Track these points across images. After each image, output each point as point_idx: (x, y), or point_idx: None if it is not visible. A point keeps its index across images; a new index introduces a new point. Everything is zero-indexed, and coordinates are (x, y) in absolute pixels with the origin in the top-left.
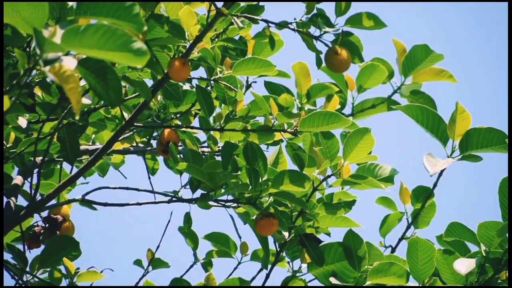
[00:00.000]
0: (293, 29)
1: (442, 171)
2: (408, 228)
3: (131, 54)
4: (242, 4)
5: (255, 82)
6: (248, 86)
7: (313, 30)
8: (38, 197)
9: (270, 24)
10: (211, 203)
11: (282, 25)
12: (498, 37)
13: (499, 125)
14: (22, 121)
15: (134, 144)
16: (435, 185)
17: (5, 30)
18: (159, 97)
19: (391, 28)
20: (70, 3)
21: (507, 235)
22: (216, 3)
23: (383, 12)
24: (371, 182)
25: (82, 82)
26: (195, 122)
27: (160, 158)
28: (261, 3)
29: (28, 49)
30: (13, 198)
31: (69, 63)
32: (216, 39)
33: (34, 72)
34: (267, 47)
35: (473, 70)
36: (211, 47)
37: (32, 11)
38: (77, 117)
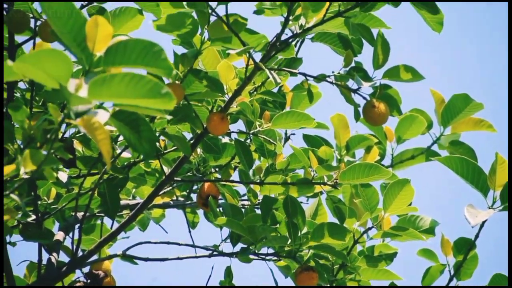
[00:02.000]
0: (331, 82)
1: (483, 222)
2: (450, 280)
3: (159, 99)
4: (280, 56)
5: (294, 134)
6: (287, 139)
7: (351, 83)
8: (80, 253)
9: (308, 78)
10: (251, 256)
11: (320, 78)
12: None
13: None
14: (63, 176)
15: (174, 198)
16: (476, 236)
17: (46, 86)
18: (199, 151)
19: (429, 79)
20: (98, 54)
21: None
22: (254, 56)
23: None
24: (412, 233)
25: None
26: (235, 176)
27: (200, 212)
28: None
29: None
30: (54, 254)
31: (101, 116)
32: (255, 92)
33: (67, 126)
34: (305, 98)
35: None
36: (250, 101)
37: (56, 66)
38: (108, 168)
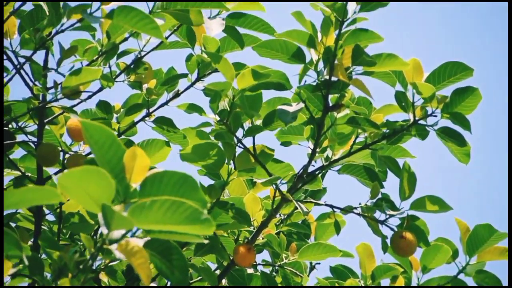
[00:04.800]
0: (358, 214)
1: None
2: None
3: (198, 225)
4: (305, 187)
5: (319, 263)
6: (312, 268)
7: (378, 215)
8: None
9: (335, 210)
10: None
11: (347, 210)
12: None
13: None
14: None
15: None
16: None
17: (73, 218)
18: (224, 281)
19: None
20: (134, 185)
21: None
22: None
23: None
24: None
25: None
26: None
27: None
28: (323, 186)
29: (95, 237)
30: None
31: (138, 242)
32: (281, 225)
33: (99, 258)
34: (329, 228)
35: None
36: (276, 233)
37: (99, 189)
38: None
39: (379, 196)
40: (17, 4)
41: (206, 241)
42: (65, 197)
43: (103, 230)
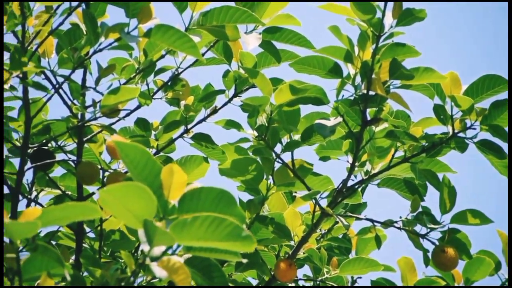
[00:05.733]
0: (399, 228)
1: None
2: None
3: (239, 242)
4: (345, 202)
5: (360, 277)
6: (354, 282)
7: (419, 228)
8: None
9: (375, 224)
10: None
11: (387, 224)
12: None
13: None
14: None
15: None
16: None
17: (113, 235)
18: None
19: None
20: (172, 202)
21: None
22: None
23: None
24: None
25: None
26: None
27: None
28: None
29: (135, 254)
30: None
31: (179, 259)
32: (322, 239)
33: (140, 275)
34: (370, 242)
35: None
36: (317, 247)
37: (140, 205)
38: None
39: (420, 209)
40: (55, 24)
41: (244, 260)
42: (105, 213)
43: (144, 246)
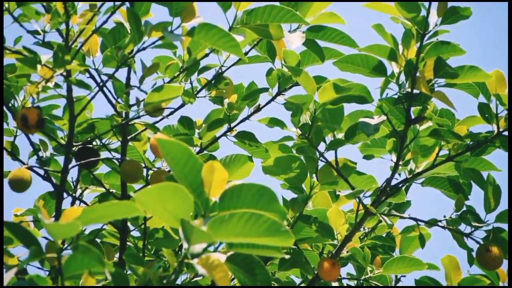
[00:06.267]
0: (443, 227)
1: None
2: None
3: (277, 237)
4: (389, 200)
5: (404, 276)
6: (397, 281)
7: (463, 227)
8: None
9: (419, 223)
10: None
11: (431, 223)
12: None
13: None
14: None
15: None
16: None
17: (157, 233)
18: None
19: None
20: (213, 199)
21: None
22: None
23: None
24: None
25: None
26: None
27: None
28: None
29: (179, 252)
30: None
31: (219, 256)
32: (365, 238)
33: (184, 273)
34: (414, 240)
35: None
36: (360, 246)
37: (177, 204)
38: None
39: (464, 208)
40: (99, 22)
41: (287, 256)
42: (147, 211)
43: (184, 244)
